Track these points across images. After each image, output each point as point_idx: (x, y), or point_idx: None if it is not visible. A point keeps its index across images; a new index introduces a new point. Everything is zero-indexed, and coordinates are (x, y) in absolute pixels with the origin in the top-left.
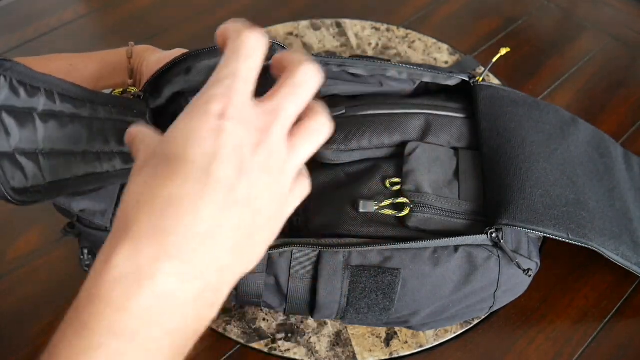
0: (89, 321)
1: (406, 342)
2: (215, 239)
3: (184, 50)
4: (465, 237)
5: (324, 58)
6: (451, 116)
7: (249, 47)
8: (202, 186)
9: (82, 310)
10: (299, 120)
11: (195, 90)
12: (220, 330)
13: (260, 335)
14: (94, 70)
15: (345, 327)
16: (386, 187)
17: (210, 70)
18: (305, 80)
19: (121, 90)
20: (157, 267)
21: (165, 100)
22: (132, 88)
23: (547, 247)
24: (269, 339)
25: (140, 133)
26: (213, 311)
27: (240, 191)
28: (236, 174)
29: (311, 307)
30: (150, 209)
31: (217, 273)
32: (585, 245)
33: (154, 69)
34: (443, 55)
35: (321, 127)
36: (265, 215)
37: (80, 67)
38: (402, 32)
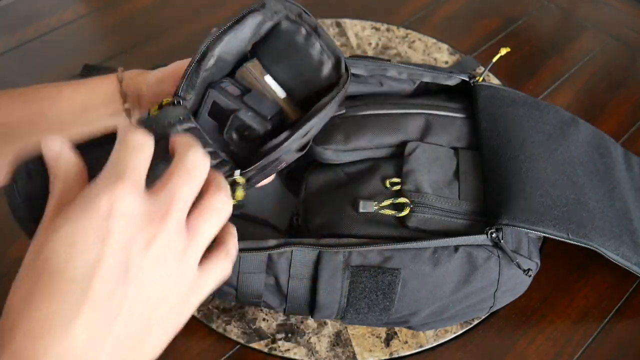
0: None
1: (406, 342)
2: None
3: (183, 63)
4: (465, 237)
5: None
6: (451, 116)
7: (137, 141)
8: (80, 306)
9: None
10: (198, 197)
11: (223, 74)
12: (220, 330)
13: (260, 335)
14: (84, 97)
15: (345, 327)
16: (386, 187)
17: (237, 48)
18: (196, 163)
19: (157, 105)
20: None
21: (198, 96)
22: (167, 99)
23: (547, 247)
24: (269, 339)
25: (59, 162)
26: None
27: (127, 298)
28: (121, 280)
29: (311, 307)
30: (24, 333)
31: None
32: (586, 245)
33: (158, 89)
34: (443, 55)
35: (221, 206)
36: (163, 310)
37: (68, 94)
38: (402, 32)
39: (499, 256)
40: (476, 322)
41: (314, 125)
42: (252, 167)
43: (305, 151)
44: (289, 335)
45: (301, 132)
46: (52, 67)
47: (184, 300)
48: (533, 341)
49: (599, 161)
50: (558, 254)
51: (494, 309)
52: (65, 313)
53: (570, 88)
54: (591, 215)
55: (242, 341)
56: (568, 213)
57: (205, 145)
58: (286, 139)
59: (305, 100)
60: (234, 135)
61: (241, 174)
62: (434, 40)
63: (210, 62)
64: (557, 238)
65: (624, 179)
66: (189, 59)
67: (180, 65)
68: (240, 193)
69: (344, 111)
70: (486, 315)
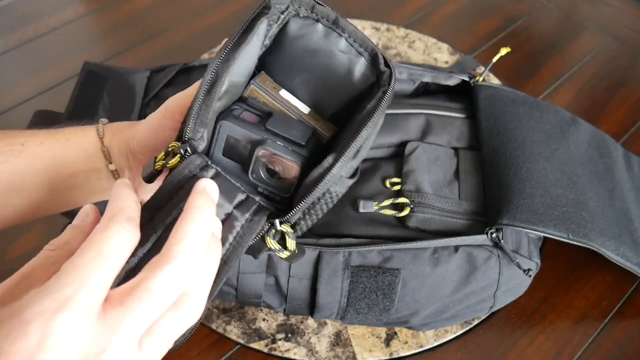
0: None
1: (406, 342)
2: None
3: (178, 100)
4: (465, 237)
5: None
6: (451, 116)
7: (113, 245)
8: None
9: None
10: None
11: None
12: (220, 330)
13: (260, 335)
14: (56, 152)
15: (345, 327)
16: (386, 187)
17: (249, 66)
18: (162, 287)
19: (164, 152)
20: None
21: (208, 134)
22: (172, 145)
23: (547, 247)
24: (269, 339)
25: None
26: None
27: None
28: None
29: (311, 307)
30: None
31: None
32: (586, 246)
33: (153, 142)
34: (443, 55)
35: (182, 322)
36: None
37: (34, 147)
38: (402, 32)
39: (499, 256)
40: (476, 322)
41: (366, 138)
42: (296, 209)
43: (357, 177)
44: (289, 335)
45: (351, 151)
46: (52, 67)
47: None
48: (533, 341)
49: (599, 161)
50: (558, 254)
51: (494, 309)
52: None
53: (570, 88)
54: (591, 215)
55: (242, 341)
56: (568, 213)
57: (233, 193)
58: (333, 164)
59: (338, 112)
60: (263, 174)
61: (282, 222)
62: (434, 40)
63: (222, 88)
64: (558, 238)
65: (624, 179)
66: (185, 93)
67: (175, 104)
68: (291, 242)
69: None
70: (486, 315)
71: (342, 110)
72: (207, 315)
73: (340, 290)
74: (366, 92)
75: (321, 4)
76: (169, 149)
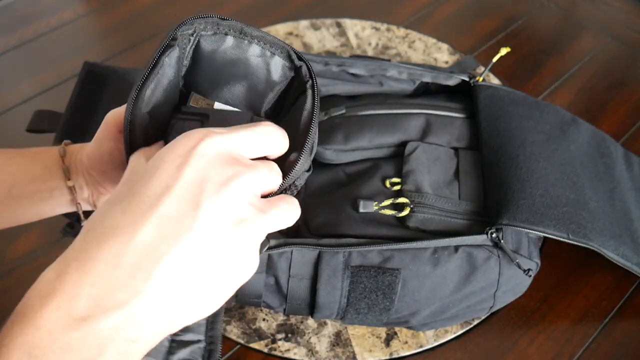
0: (5, 337)
1: (406, 342)
2: (146, 273)
3: (112, 115)
4: (465, 237)
5: (324, 58)
6: (451, 116)
7: (276, 138)
8: (145, 215)
9: (7, 327)
10: None
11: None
12: None
13: (260, 335)
14: (22, 168)
15: (345, 327)
16: (386, 187)
17: (169, 97)
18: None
19: None
20: (74, 291)
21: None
22: None
23: (547, 247)
24: (269, 339)
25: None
26: (137, 347)
27: (196, 226)
28: (191, 207)
29: (311, 307)
30: (86, 236)
31: (142, 309)
32: (586, 246)
33: (98, 153)
34: (443, 55)
35: (294, 211)
36: (220, 264)
37: (2, 162)
38: (402, 32)
39: (499, 256)
40: (476, 322)
41: (315, 133)
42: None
43: (311, 170)
44: (289, 335)
45: (307, 147)
46: (52, 67)
47: (238, 265)
48: (533, 341)
49: (599, 161)
50: (558, 254)
51: (494, 309)
52: (131, 220)
53: (570, 88)
54: (591, 215)
55: (242, 341)
56: (568, 213)
57: None
58: (297, 160)
59: (270, 108)
60: None
61: None
62: (434, 40)
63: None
64: (558, 238)
65: (624, 179)
66: (121, 109)
67: (112, 118)
68: None
69: (344, 111)
70: (486, 315)
71: (273, 106)
72: None
73: (340, 290)
74: (289, 85)
75: (225, 19)
76: None
